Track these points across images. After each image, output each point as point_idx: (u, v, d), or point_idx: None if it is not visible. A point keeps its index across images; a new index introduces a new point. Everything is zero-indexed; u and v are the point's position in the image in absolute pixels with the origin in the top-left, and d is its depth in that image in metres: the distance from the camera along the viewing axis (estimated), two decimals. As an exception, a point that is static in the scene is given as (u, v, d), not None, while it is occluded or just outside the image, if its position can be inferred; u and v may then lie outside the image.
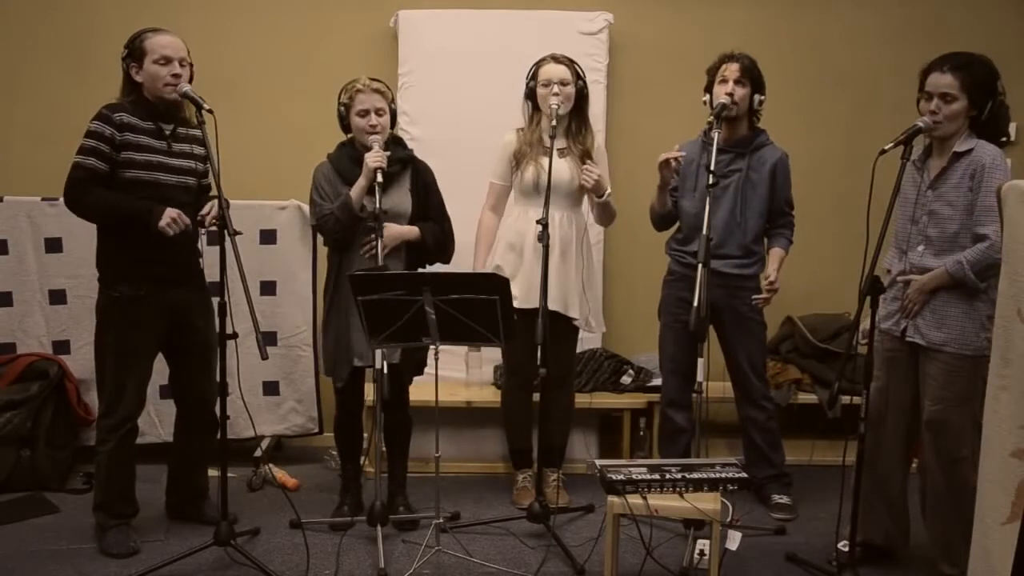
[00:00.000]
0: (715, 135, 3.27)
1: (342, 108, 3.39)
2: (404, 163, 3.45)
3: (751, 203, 3.52)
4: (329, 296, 3.45)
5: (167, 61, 3.06)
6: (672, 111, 4.31)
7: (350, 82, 3.39)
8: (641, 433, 4.18)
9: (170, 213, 3.02)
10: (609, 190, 3.56)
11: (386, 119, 3.36)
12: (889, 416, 3.02)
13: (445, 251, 3.53)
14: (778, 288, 3.47)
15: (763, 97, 3.50)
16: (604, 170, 3.61)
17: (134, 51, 3.09)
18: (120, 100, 3.13)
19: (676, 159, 3.39)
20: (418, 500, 3.60)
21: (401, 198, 3.41)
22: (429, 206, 3.49)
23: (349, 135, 3.44)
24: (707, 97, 3.52)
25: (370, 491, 3.42)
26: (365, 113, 3.33)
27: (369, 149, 3.28)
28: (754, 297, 3.51)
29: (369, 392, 3.56)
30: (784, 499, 3.65)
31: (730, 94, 3.41)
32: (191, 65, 3.14)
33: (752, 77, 3.46)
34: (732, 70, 3.45)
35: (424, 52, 4.28)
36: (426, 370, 3.50)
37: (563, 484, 3.72)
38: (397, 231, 3.35)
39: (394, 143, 3.45)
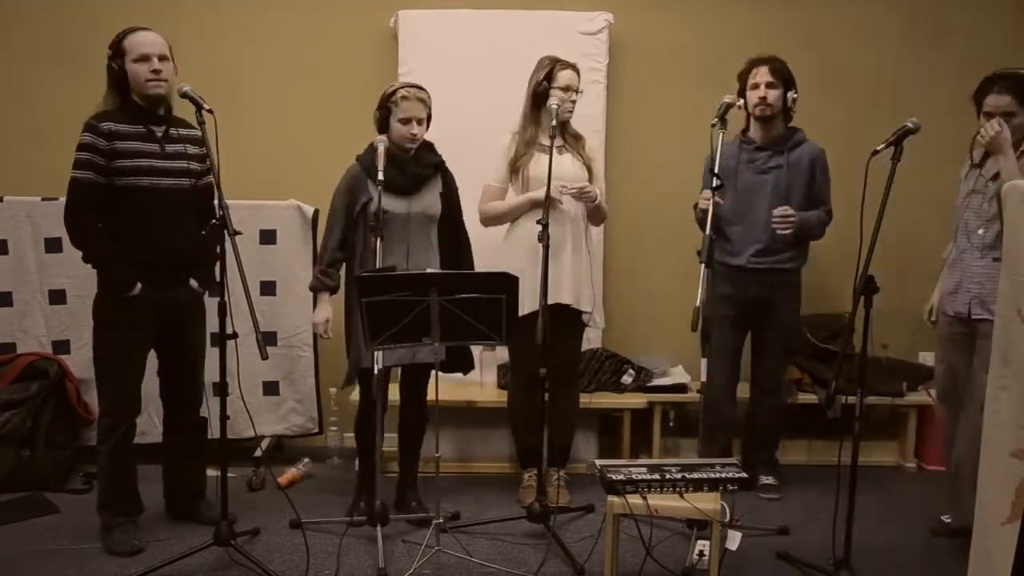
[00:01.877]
0: (719, 136, 3.29)
1: (382, 112, 3.39)
2: (436, 167, 3.49)
3: (791, 199, 3.60)
4: (349, 300, 3.46)
5: (145, 59, 3.06)
6: (672, 111, 4.31)
7: (398, 87, 3.40)
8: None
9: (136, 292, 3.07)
10: (600, 190, 3.60)
11: (423, 129, 3.42)
12: (961, 393, 3.17)
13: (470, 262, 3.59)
14: (793, 220, 3.52)
15: (796, 95, 3.61)
16: (600, 167, 3.68)
17: (117, 51, 3.09)
18: (106, 107, 3.12)
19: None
20: (418, 500, 3.60)
21: (433, 200, 3.45)
22: (456, 211, 3.54)
23: (383, 134, 3.44)
24: (740, 101, 3.60)
25: (382, 489, 3.42)
26: (408, 121, 3.36)
27: (405, 151, 3.35)
28: (775, 212, 3.55)
29: (393, 391, 3.61)
30: (770, 480, 3.76)
31: (763, 98, 3.53)
32: (174, 63, 3.13)
33: (783, 77, 3.58)
34: (762, 74, 3.56)
35: (424, 52, 4.27)
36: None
37: (566, 484, 3.72)
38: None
39: (426, 149, 3.49)
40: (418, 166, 3.42)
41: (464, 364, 3.55)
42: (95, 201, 3.08)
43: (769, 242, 3.61)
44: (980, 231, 3.17)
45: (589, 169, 3.62)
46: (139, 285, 3.09)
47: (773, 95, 3.55)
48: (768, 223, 3.58)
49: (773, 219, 3.54)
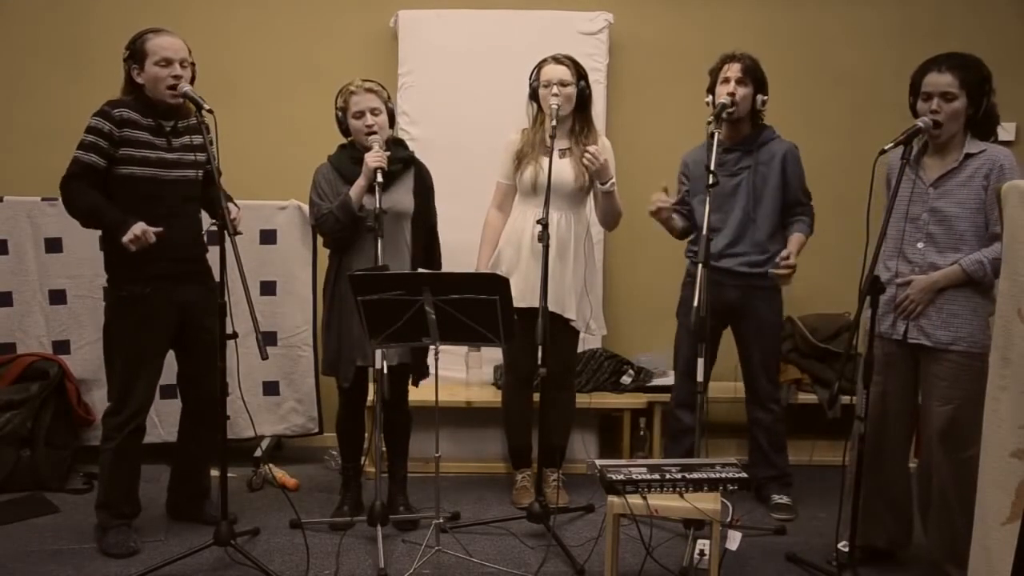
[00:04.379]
0: (715, 135, 3.27)
1: (339, 112, 3.40)
2: (406, 163, 3.46)
3: (764, 199, 3.53)
4: (329, 296, 3.45)
5: (168, 63, 3.07)
6: (672, 111, 4.31)
7: (344, 85, 3.40)
8: (641, 433, 4.18)
9: (134, 230, 2.99)
10: (613, 179, 3.52)
11: (383, 118, 3.37)
12: (889, 419, 3.02)
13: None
14: (794, 264, 3.41)
15: (766, 97, 3.50)
16: (611, 167, 3.60)
17: (135, 52, 3.09)
18: (123, 97, 3.14)
19: (664, 204, 3.45)
20: (418, 500, 3.59)
21: (402, 197, 3.41)
22: (429, 213, 3.51)
23: (349, 138, 3.45)
24: (709, 98, 3.53)
25: (370, 490, 3.42)
26: (361, 114, 3.34)
27: (369, 150, 3.29)
28: (770, 271, 3.46)
29: (370, 391, 3.56)
30: (784, 499, 3.66)
31: (731, 94, 3.41)
32: (193, 65, 3.15)
33: (754, 77, 3.47)
34: (734, 70, 3.45)
35: (424, 52, 4.28)
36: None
37: (563, 484, 3.72)
38: None
39: (394, 144, 3.46)
40: None
41: (419, 372, 3.53)
42: (92, 182, 3.07)
43: (744, 246, 3.53)
44: (920, 244, 2.92)
45: (591, 175, 3.59)
46: (138, 223, 2.99)
47: (742, 92, 3.43)
48: (747, 228, 3.52)
49: (775, 271, 3.43)
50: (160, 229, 3.02)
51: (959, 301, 2.86)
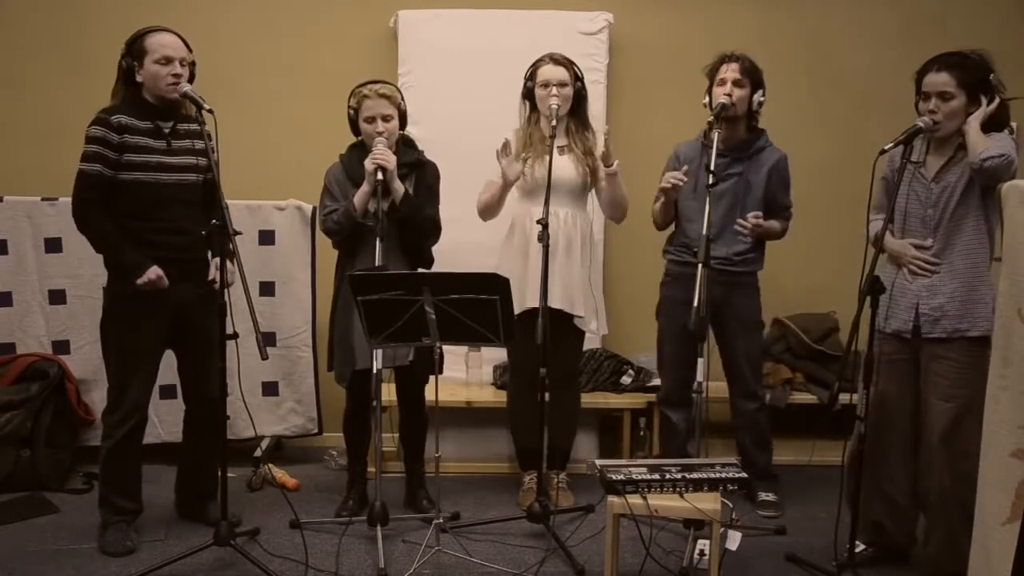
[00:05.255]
0: (715, 136, 3.27)
1: (351, 112, 3.41)
2: (412, 167, 3.46)
3: (747, 207, 3.52)
4: (335, 296, 3.48)
5: (168, 61, 3.07)
6: (672, 111, 4.31)
7: (358, 86, 3.40)
8: (641, 433, 4.18)
9: (149, 275, 3.06)
10: (618, 163, 3.51)
11: (394, 124, 3.38)
12: (893, 419, 3.02)
13: (422, 230, 3.45)
14: (754, 226, 3.42)
15: (763, 99, 3.49)
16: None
17: (135, 50, 3.09)
18: (115, 103, 3.14)
19: (681, 181, 3.42)
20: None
21: None
22: (420, 195, 3.46)
23: (360, 137, 3.45)
24: (707, 99, 3.52)
25: (373, 488, 3.42)
26: (372, 119, 3.35)
27: None
28: (738, 221, 3.46)
29: (388, 392, 3.57)
30: (770, 496, 3.67)
31: (728, 95, 3.41)
32: (193, 63, 3.14)
33: (752, 78, 3.46)
34: (731, 70, 3.45)
35: (424, 52, 4.28)
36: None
37: (567, 486, 3.72)
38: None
39: (404, 145, 3.46)
40: None
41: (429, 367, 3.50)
42: (101, 194, 3.09)
43: (724, 246, 3.51)
44: (929, 240, 2.91)
45: (592, 171, 3.60)
46: (154, 267, 3.07)
47: (739, 93, 3.42)
48: (726, 228, 3.50)
49: (738, 223, 3.45)
50: (165, 282, 3.10)
51: (958, 290, 2.86)
